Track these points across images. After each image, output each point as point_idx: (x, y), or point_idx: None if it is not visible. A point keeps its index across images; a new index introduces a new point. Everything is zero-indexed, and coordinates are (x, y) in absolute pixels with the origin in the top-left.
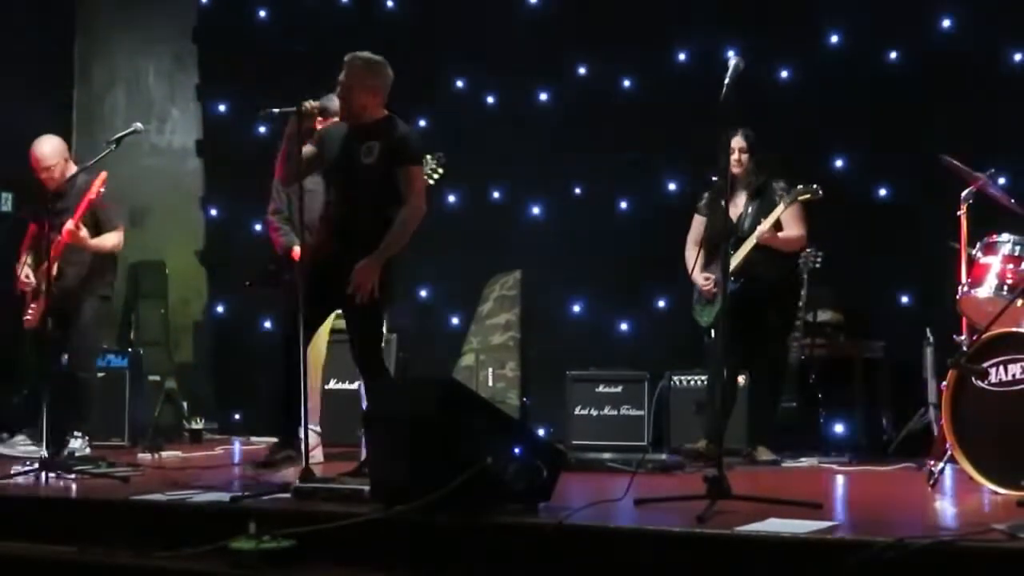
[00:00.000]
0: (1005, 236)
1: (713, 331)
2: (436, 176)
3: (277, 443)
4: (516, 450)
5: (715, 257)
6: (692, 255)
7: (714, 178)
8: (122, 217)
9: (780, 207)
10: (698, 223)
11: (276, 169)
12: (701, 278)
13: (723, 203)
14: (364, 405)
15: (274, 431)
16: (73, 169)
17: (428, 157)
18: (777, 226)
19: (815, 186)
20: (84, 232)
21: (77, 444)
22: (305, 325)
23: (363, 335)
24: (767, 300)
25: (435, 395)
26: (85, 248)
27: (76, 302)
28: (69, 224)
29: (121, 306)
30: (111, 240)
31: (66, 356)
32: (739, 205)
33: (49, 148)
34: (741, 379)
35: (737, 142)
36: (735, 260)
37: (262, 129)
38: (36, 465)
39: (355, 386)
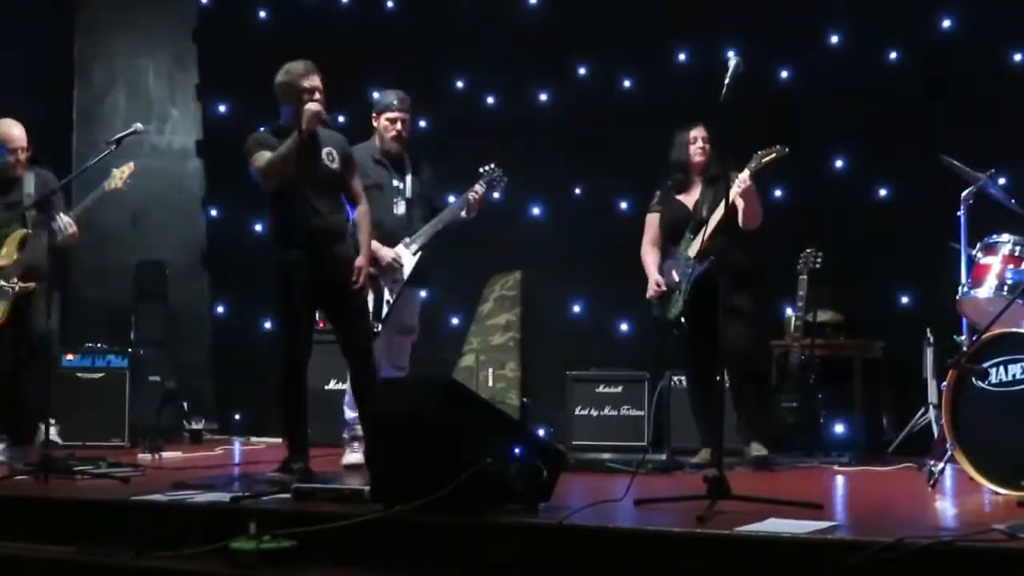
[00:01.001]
0: (1005, 236)
1: (683, 319)
2: (502, 183)
3: (291, 456)
4: (516, 450)
5: (673, 250)
6: (649, 255)
7: (769, 149)
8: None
9: (745, 172)
10: (653, 222)
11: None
12: (652, 281)
13: (719, 195)
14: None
15: (287, 444)
16: None
17: (492, 166)
18: (734, 216)
19: (778, 145)
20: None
21: (52, 433)
22: (305, 330)
23: (362, 330)
24: (733, 285)
25: (435, 395)
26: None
27: (37, 295)
28: (71, 221)
29: (121, 306)
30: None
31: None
32: (695, 194)
33: (19, 129)
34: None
35: (699, 131)
36: (699, 240)
37: (262, 129)
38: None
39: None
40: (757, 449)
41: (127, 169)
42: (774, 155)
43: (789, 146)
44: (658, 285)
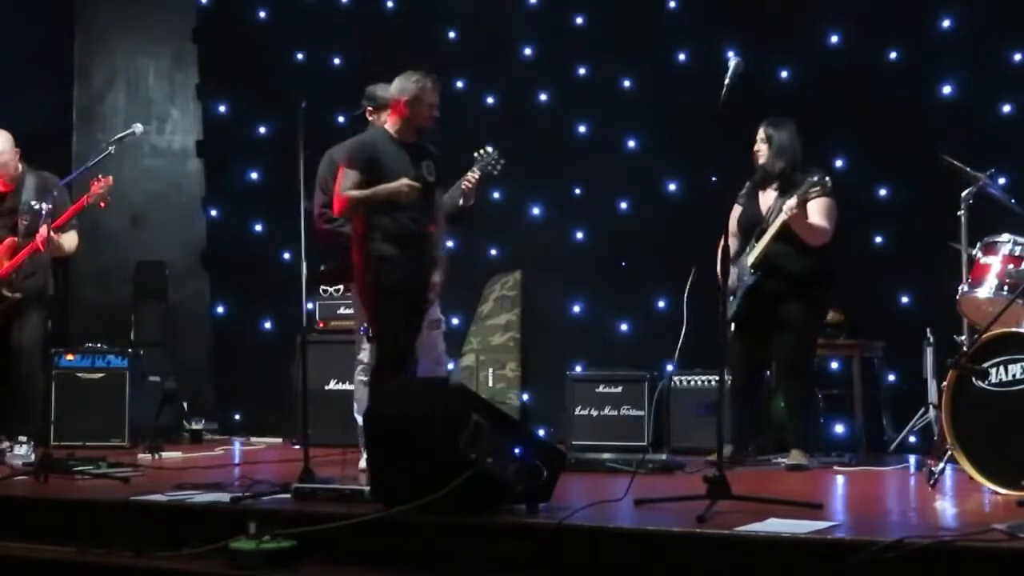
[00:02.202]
0: (1005, 236)
1: (733, 325)
2: (499, 166)
3: None
4: (516, 450)
5: (741, 252)
6: (725, 245)
7: (714, 178)
8: (75, 218)
9: (792, 200)
10: (734, 214)
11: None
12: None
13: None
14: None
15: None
16: (20, 165)
17: (488, 149)
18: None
19: (826, 179)
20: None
21: (23, 451)
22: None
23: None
24: (788, 294)
25: (435, 395)
26: (58, 253)
27: (26, 302)
28: (43, 230)
29: (121, 306)
30: (72, 242)
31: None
32: (770, 198)
33: (6, 141)
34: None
35: (760, 131)
36: (758, 250)
37: (262, 129)
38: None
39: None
40: (795, 456)
41: (105, 184)
42: (818, 188)
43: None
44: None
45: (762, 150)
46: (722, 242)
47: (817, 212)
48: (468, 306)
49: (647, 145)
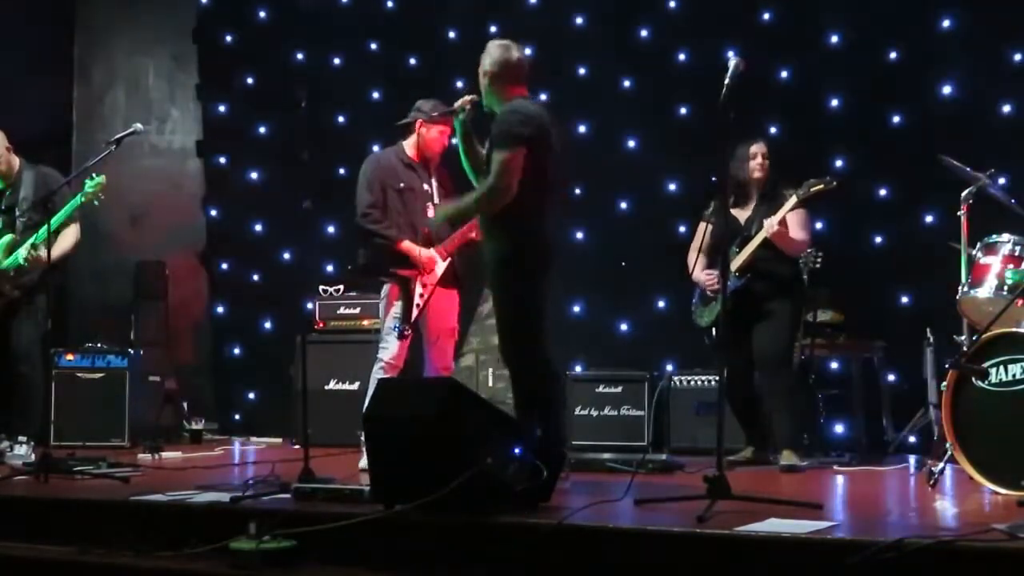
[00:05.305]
0: (1005, 236)
1: (714, 330)
2: None
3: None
4: (516, 450)
5: (718, 261)
6: (693, 259)
7: (713, 179)
8: (75, 213)
9: (792, 200)
10: (703, 231)
11: None
12: (704, 275)
13: (725, 206)
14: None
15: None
16: (16, 160)
17: None
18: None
19: (828, 177)
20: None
21: (23, 451)
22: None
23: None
24: (774, 293)
25: (435, 395)
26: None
27: (26, 301)
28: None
29: (121, 306)
30: (70, 237)
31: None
32: (748, 209)
33: None
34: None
35: (759, 148)
36: (742, 256)
37: (262, 129)
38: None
39: (355, 386)
40: (787, 457)
41: (100, 182)
42: (821, 186)
43: (789, 145)
44: (709, 276)
45: (764, 166)
46: (694, 255)
47: (796, 224)
48: (468, 306)
49: (647, 145)
